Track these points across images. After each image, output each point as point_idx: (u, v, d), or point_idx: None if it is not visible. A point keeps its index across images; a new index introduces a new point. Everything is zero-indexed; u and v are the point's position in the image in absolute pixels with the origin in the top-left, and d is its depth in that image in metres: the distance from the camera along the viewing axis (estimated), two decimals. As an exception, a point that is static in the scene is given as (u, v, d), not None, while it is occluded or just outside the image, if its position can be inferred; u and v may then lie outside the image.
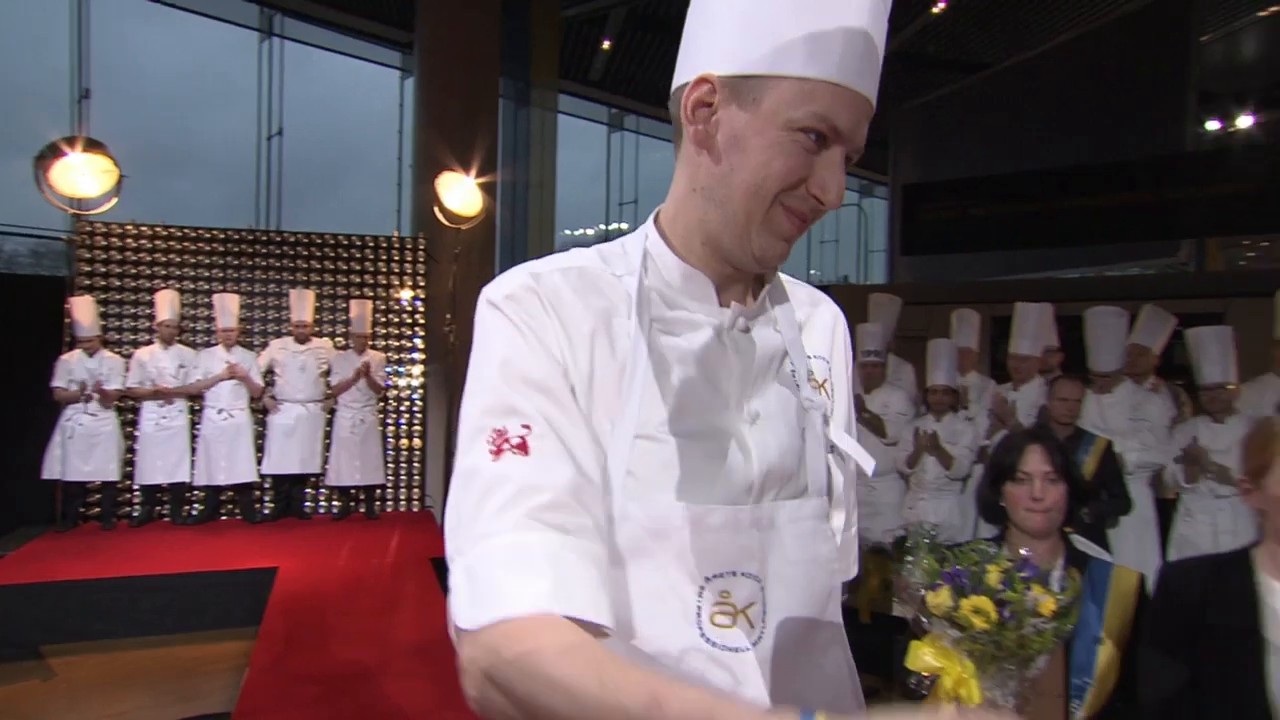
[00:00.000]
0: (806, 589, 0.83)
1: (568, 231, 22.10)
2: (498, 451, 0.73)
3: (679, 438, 0.79)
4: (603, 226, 16.15)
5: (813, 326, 0.95)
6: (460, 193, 6.72)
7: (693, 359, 0.81)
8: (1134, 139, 7.60)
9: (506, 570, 0.67)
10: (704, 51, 0.78)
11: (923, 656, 1.59)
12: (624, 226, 17.16)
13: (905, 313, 5.66)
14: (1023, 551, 1.97)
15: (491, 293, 0.80)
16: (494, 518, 0.70)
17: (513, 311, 0.78)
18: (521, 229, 9.67)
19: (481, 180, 6.95)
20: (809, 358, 0.92)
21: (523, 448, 0.72)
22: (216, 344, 6.23)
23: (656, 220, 0.88)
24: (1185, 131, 8.28)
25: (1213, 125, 11.54)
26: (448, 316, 6.75)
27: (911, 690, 1.77)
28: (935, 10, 9.48)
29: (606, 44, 9.91)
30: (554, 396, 0.75)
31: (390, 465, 6.93)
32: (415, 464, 7.06)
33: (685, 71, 0.80)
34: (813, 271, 18.51)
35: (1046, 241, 8.00)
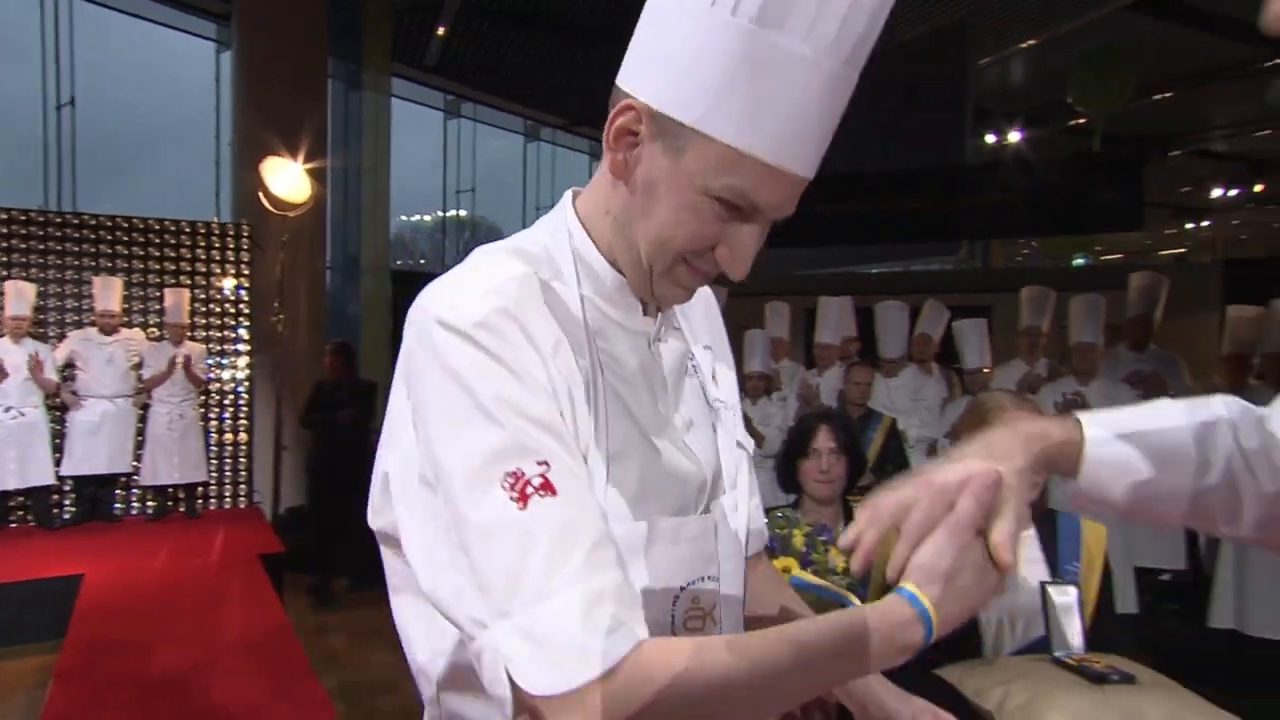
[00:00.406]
0: (738, 578, 0.84)
1: (403, 217, 21.30)
2: (522, 498, 0.65)
3: (641, 454, 0.76)
4: (439, 214, 15.73)
5: (693, 315, 0.93)
6: (287, 178, 6.37)
7: (636, 373, 0.79)
8: (921, 150, 8.40)
9: (588, 620, 0.62)
10: (642, 73, 0.71)
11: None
12: (462, 214, 16.79)
13: (729, 304, 6.00)
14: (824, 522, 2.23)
15: (452, 317, 0.69)
16: (550, 574, 0.62)
17: (489, 342, 0.68)
18: (354, 215, 9.27)
19: (310, 165, 6.62)
20: (704, 349, 0.91)
21: (548, 488, 0.65)
22: (4, 334, 5.57)
23: (576, 215, 0.81)
24: (965, 145, 9.27)
25: (990, 139, 12.97)
26: (275, 305, 6.39)
27: None
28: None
29: (441, 30, 9.64)
30: (555, 430, 0.68)
31: (213, 461, 6.49)
32: (241, 459, 6.65)
33: (622, 80, 0.74)
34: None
35: (849, 240, 8.71)
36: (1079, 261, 16.19)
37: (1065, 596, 1.72)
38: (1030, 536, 1.85)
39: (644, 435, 0.77)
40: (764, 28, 0.64)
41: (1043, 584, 1.74)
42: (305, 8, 7.20)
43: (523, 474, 0.65)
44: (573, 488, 0.66)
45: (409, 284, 11.42)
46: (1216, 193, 15.80)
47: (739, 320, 6.75)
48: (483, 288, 0.71)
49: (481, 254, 0.78)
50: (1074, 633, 1.70)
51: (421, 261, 21.86)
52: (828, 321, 4.89)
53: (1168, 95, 11.59)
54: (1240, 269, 10.26)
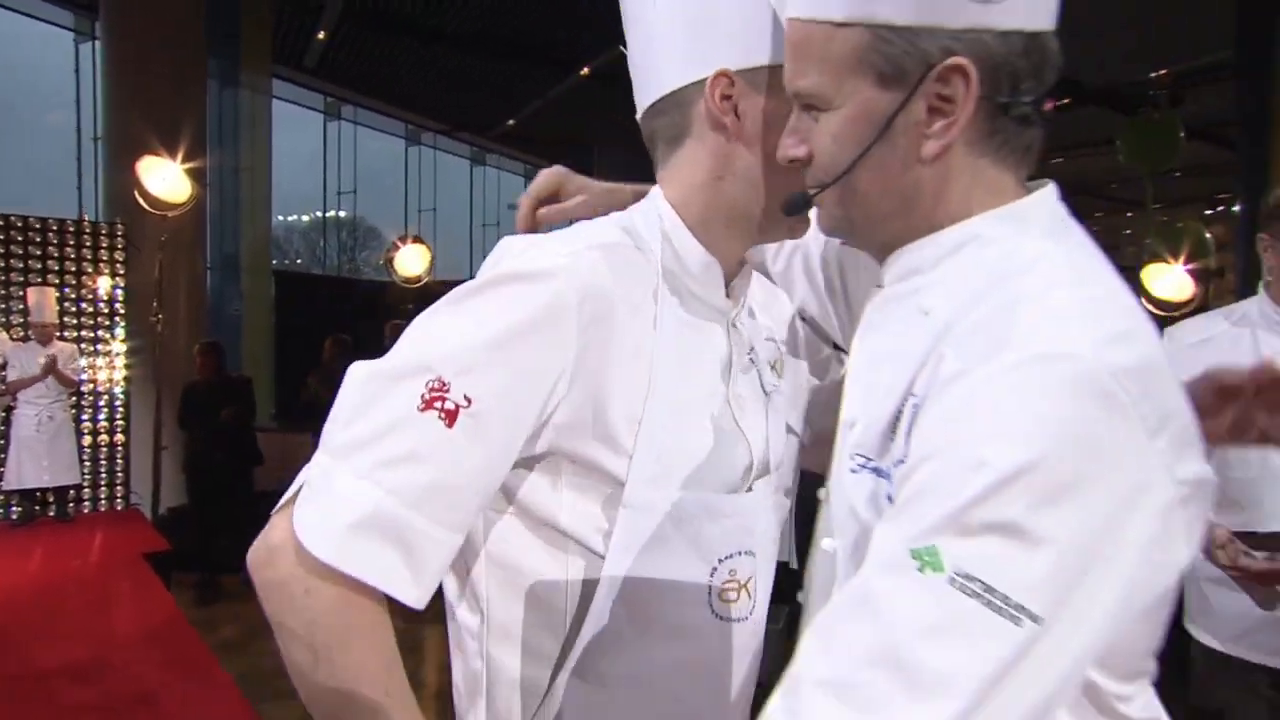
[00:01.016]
0: (773, 558, 0.86)
1: (281, 217, 20.36)
2: (426, 405, 0.66)
3: (698, 428, 0.77)
4: (319, 214, 15.22)
5: (770, 311, 0.96)
6: (165, 177, 6.14)
7: (707, 349, 0.81)
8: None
9: (361, 528, 0.64)
10: (700, 58, 0.75)
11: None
12: (342, 214, 16.31)
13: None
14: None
15: (526, 267, 0.70)
16: (376, 467, 0.64)
17: (534, 320, 0.69)
18: (232, 214, 8.93)
19: (189, 165, 6.39)
20: (766, 341, 0.92)
21: (451, 418, 0.66)
22: None
23: (668, 202, 0.82)
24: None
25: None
26: (154, 306, 6.15)
27: None
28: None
29: (322, 34, 9.43)
30: (514, 400, 0.69)
31: (88, 464, 6.17)
32: (118, 461, 6.36)
33: (686, 73, 0.76)
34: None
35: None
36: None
37: None
38: None
39: (701, 410, 0.78)
40: None
41: None
42: (176, 6, 6.92)
43: (447, 390, 0.66)
44: (469, 438, 0.66)
45: (290, 284, 11.06)
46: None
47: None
48: (570, 268, 0.71)
49: (584, 223, 0.82)
50: None
51: (298, 261, 20.94)
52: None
53: (1065, 101, 12.86)
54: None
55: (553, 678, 0.76)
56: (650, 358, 0.74)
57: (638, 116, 0.84)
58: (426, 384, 0.66)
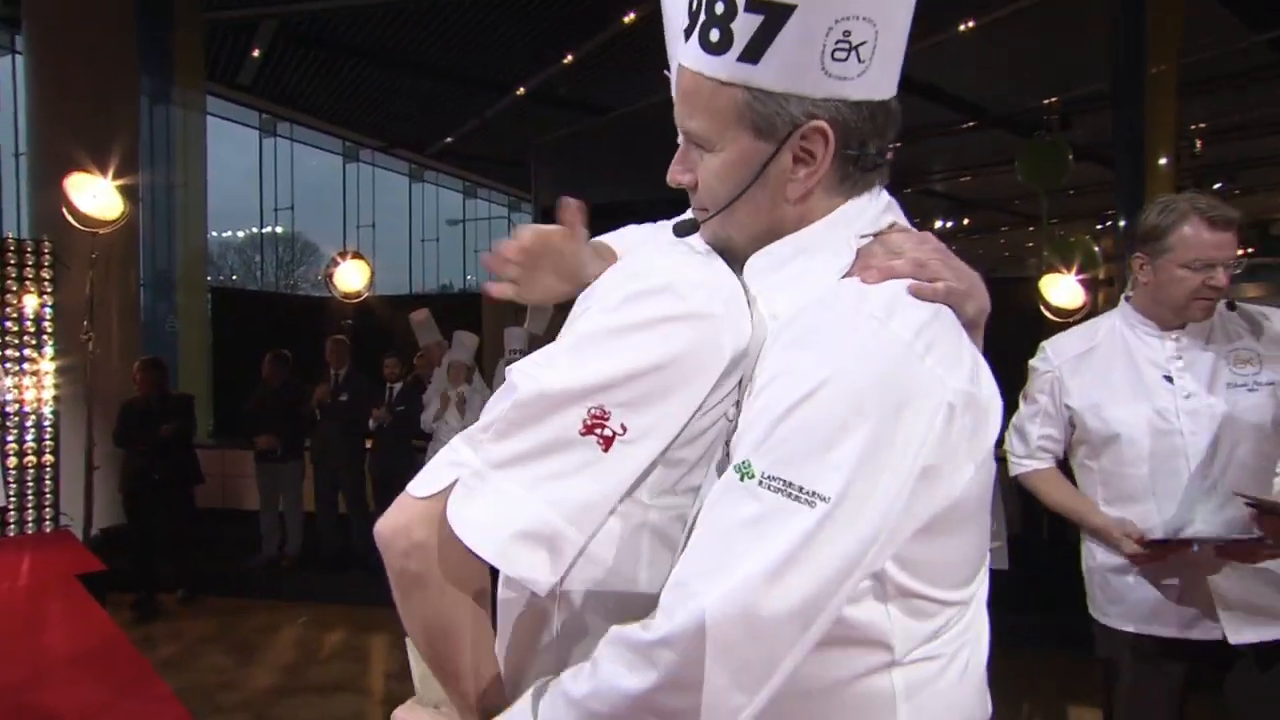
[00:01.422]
0: None
1: (215, 234, 19.73)
2: (587, 430, 0.71)
3: None
4: (254, 230, 14.84)
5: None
6: (96, 194, 5.96)
7: None
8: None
9: (524, 536, 0.70)
10: None
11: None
12: (279, 230, 15.92)
13: (555, 316, 6.40)
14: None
15: (686, 308, 0.72)
16: (540, 481, 0.70)
17: (690, 359, 0.72)
18: (166, 230, 8.67)
19: (121, 182, 6.23)
20: None
21: (607, 444, 0.71)
22: None
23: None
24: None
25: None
26: (85, 324, 5.95)
27: None
28: (565, 61, 10.49)
29: (256, 52, 9.27)
30: (663, 432, 0.74)
31: (14, 485, 5.91)
32: (46, 481, 6.10)
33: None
34: (469, 276, 18.93)
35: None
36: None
37: None
38: None
39: None
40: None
41: None
42: (102, 20, 6.73)
43: (607, 420, 0.71)
44: (619, 465, 0.72)
45: (227, 300, 10.76)
46: (938, 225, 18.50)
47: (504, 319, 7.20)
48: (709, 284, 0.77)
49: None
50: None
51: (234, 278, 20.29)
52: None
53: (896, 145, 13.48)
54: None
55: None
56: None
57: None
58: (589, 410, 0.70)
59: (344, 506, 5.82)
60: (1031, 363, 1.96)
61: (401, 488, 0.78)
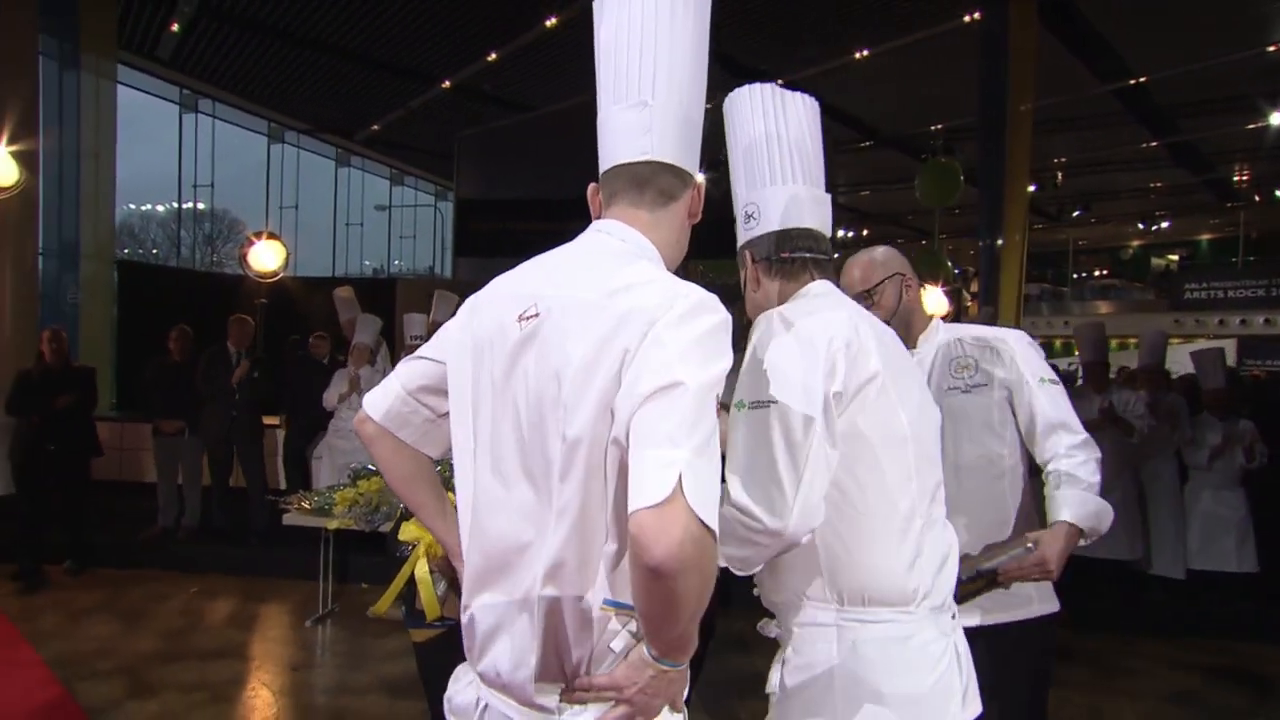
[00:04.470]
0: None
1: (132, 206, 18.56)
2: (715, 413, 0.88)
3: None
4: (174, 204, 14.05)
5: None
6: (-13, 159, 5.55)
7: None
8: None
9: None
10: (695, 155, 1.06)
11: (409, 529, 2.22)
12: (201, 206, 15.09)
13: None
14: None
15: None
16: (714, 457, 0.86)
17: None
18: (72, 201, 8.11)
19: (17, 147, 5.82)
20: None
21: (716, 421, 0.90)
22: None
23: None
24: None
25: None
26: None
27: (400, 555, 2.32)
28: (490, 58, 10.34)
29: (175, 27, 8.77)
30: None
31: (-110, 453, 5.46)
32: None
33: (687, 161, 1.05)
34: (396, 262, 18.44)
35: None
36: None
37: None
38: None
39: None
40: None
41: None
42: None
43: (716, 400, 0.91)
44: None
45: (138, 274, 10.14)
46: (840, 233, 19.15)
47: (409, 304, 7.12)
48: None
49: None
50: None
51: (155, 252, 19.15)
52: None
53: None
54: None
55: None
56: None
57: (649, 153, 1.02)
58: (713, 398, 0.87)
59: (243, 480, 5.65)
60: None
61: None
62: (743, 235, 1.36)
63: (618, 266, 0.95)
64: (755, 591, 1.36)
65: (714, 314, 0.90)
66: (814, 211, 1.34)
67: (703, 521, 0.79)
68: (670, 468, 0.79)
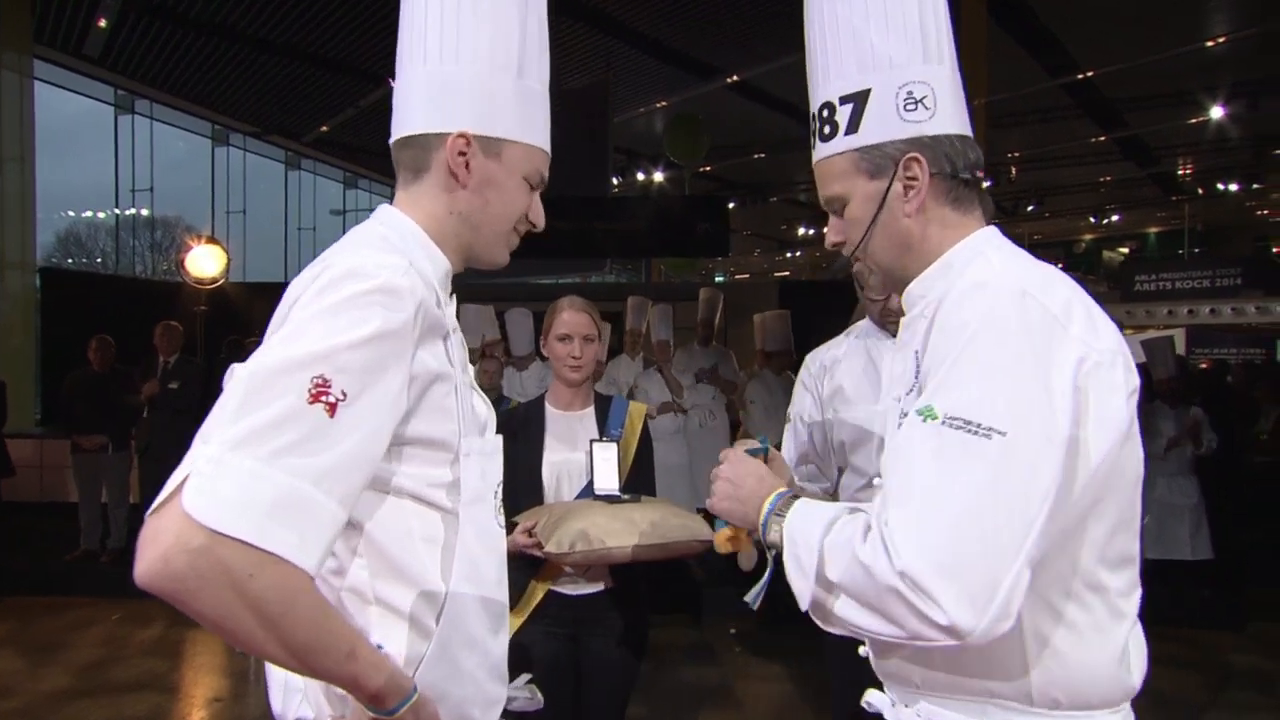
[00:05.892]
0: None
1: (71, 213, 17.79)
2: (314, 399, 0.72)
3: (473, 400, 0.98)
4: (116, 210, 13.42)
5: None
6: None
7: (458, 350, 0.95)
8: (576, 183, 9.09)
9: (277, 509, 0.68)
10: (454, 112, 0.91)
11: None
12: (145, 212, 14.48)
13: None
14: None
15: (387, 283, 0.81)
16: (279, 453, 0.69)
17: (396, 330, 0.82)
18: (-9, 207, 7.65)
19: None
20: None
21: (332, 410, 0.73)
22: None
23: (415, 223, 0.95)
24: (606, 182, 10.31)
25: (641, 177, 14.37)
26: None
27: None
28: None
29: (103, 23, 8.33)
30: (381, 392, 0.78)
31: None
32: None
33: (432, 122, 0.91)
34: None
35: (522, 254, 9.18)
36: (720, 279, 18.59)
37: (607, 451, 1.93)
38: (587, 413, 2.03)
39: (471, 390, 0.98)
40: (522, 78, 0.95)
41: (591, 441, 1.94)
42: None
43: (329, 386, 0.73)
44: (348, 425, 0.74)
45: (66, 283, 9.62)
46: (801, 231, 19.14)
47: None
48: (399, 267, 0.85)
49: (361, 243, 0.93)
50: (609, 475, 1.91)
51: (98, 260, 18.39)
52: (467, 325, 5.19)
53: (762, 155, 13.83)
54: (792, 285, 12.96)
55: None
56: (446, 350, 0.90)
57: (392, 136, 0.96)
58: (312, 380, 0.72)
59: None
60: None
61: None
62: (895, 127, 0.92)
63: (335, 249, 0.88)
64: (862, 651, 1.01)
65: (357, 282, 0.78)
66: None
67: (212, 530, 0.66)
68: (183, 469, 0.69)
